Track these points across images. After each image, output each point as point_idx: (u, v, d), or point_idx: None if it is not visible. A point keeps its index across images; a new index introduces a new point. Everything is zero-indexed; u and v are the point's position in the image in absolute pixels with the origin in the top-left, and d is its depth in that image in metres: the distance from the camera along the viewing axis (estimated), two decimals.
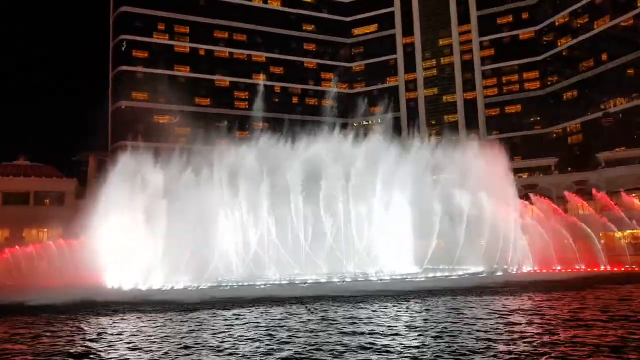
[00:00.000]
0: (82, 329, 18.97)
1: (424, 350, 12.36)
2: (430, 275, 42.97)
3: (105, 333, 17.70)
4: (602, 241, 62.90)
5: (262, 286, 39.79)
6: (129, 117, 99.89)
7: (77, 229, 58.57)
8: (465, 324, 16.35)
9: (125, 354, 13.93)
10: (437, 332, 15.07)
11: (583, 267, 47.91)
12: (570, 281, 34.67)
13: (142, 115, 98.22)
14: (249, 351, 13.60)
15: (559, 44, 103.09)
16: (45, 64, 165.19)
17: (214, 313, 21.83)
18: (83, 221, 54.15)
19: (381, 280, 39.97)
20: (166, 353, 13.98)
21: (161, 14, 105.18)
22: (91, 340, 16.41)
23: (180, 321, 19.78)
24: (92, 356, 13.77)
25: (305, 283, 39.70)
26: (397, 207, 46.17)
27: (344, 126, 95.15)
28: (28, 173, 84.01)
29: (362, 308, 21.77)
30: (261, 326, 17.59)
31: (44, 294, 39.01)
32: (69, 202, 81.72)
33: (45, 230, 79.90)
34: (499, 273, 44.07)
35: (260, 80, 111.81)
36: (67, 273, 49.15)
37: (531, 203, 60.95)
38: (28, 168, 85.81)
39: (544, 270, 46.47)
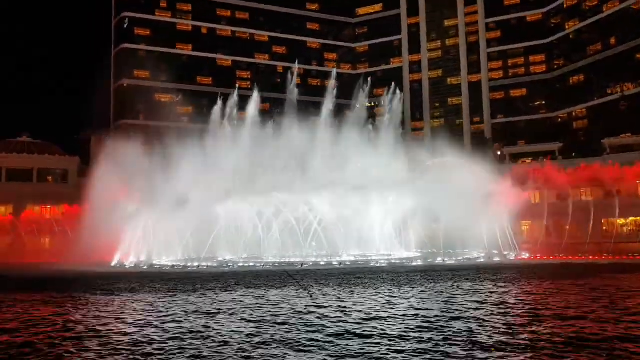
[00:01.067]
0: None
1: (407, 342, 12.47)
2: (429, 260, 43.22)
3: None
4: (604, 228, 62.61)
5: (262, 267, 40.21)
6: (131, 96, 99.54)
7: (80, 207, 59.32)
8: (446, 311, 16.48)
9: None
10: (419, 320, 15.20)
11: (585, 254, 47.65)
12: (566, 269, 34.76)
13: (144, 94, 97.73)
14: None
15: (566, 27, 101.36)
16: (48, 42, 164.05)
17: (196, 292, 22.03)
18: (86, 200, 54.81)
19: (378, 264, 40.25)
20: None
21: None
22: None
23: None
24: None
25: (302, 265, 40.07)
26: (394, 194, 46.17)
27: (346, 107, 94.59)
28: (31, 150, 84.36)
29: (348, 291, 21.96)
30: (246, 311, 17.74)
31: (29, 270, 39.68)
32: (72, 180, 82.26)
33: (49, 207, 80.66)
34: (496, 259, 44.25)
35: (263, 59, 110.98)
36: (72, 250, 49.91)
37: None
38: (31, 145, 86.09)
39: (544, 258, 46.50)
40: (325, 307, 17.74)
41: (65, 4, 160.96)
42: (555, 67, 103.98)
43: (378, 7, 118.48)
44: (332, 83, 71.19)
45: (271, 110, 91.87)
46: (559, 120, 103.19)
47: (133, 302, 19.96)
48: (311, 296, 20.70)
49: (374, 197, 45.51)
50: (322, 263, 41.56)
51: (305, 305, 18.08)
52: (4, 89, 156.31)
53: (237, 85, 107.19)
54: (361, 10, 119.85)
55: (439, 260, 42.79)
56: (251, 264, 42.08)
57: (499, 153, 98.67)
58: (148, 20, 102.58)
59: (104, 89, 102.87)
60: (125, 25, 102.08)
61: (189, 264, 42.85)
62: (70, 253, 48.83)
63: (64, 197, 72.63)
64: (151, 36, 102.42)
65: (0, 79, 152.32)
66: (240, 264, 42.37)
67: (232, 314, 16.79)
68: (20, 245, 68.21)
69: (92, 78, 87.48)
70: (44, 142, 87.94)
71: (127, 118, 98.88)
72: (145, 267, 42.30)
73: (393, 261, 42.26)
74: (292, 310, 17.08)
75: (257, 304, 19.02)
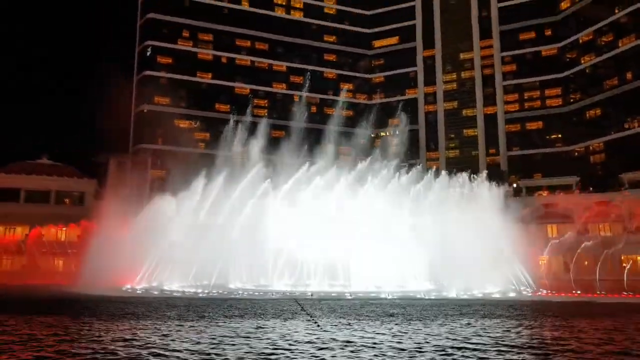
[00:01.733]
0: None
1: None
2: (443, 293, 42.43)
3: None
4: (624, 265, 61.02)
5: (273, 296, 39.89)
6: (150, 121, 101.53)
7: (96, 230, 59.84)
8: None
9: None
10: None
11: (605, 292, 46.23)
12: (584, 307, 33.75)
13: (163, 120, 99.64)
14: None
15: (582, 61, 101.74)
16: (73, 67, 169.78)
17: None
18: (98, 223, 55.42)
19: (390, 297, 39.63)
20: None
21: (186, 22, 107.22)
22: None
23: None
24: None
25: (312, 295, 39.67)
26: (411, 226, 45.76)
27: (361, 136, 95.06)
28: (50, 172, 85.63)
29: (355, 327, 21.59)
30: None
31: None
32: (89, 202, 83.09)
33: (64, 229, 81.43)
34: (512, 294, 43.24)
35: (280, 88, 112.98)
36: (84, 273, 50.12)
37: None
38: (50, 167, 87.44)
39: (562, 294, 45.23)
40: (326, 342, 17.44)
41: (91, 32, 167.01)
42: (572, 100, 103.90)
43: (394, 40, 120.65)
44: (338, 111, 71.82)
45: (286, 137, 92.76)
46: (576, 153, 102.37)
47: (134, 330, 19.82)
48: (320, 327, 20.44)
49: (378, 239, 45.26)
50: (333, 294, 41.08)
51: (309, 339, 17.80)
52: (28, 111, 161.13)
53: (254, 113, 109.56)
54: (377, 43, 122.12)
55: (452, 294, 41.97)
56: (262, 293, 41.79)
57: (514, 185, 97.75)
58: (170, 49, 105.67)
59: (124, 114, 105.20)
60: (148, 54, 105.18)
61: (199, 291, 42.70)
62: (82, 276, 49.02)
63: (79, 220, 73.45)
64: (173, 64, 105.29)
65: (24, 102, 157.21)
66: (251, 292, 42.11)
67: (232, 345, 16.55)
68: (33, 267, 68.73)
69: (113, 102, 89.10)
70: (63, 164, 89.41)
71: (145, 142, 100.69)
72: (156, 293, 42.22)
73: (408, 293, 41.58)
74: (291, 343, 16.81)
75: (261, 334, 18.77)
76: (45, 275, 63.78)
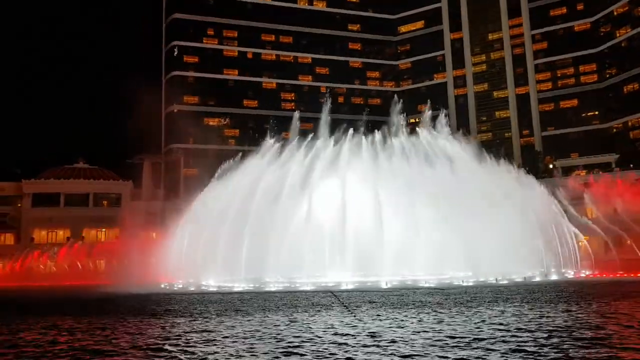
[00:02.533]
0: None
1: None
2: (481, 279, 41.67)
3: None
4: None
5: (307, 287, 40.01)
6: (180, 121, 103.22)
7: (133, 230, 61.43)
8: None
9: None
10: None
11: None
12: (630, 288, 32.51)
13: (193, 118, 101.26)
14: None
15: (617, 34, 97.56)
16: (100, 71, 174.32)
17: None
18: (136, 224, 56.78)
19: (427, 284, 39.24)
20: None
21: (211, 20, 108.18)
22: None
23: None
24: None
25: (347, 285, 39.62)
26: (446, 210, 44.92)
27: (389, 125, 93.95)
28: (87, 176, 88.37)
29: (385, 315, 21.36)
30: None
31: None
32: (125, 203, 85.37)
33: (104, 230, 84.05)
34: (554, 277, 42.11)
35: (306, 81, 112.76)
36: (124, 272, 51.56)
37: None
38: (87, 171, 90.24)
39: (604, 275, 43.85)
40: (352, 334, 17.31)
41: (120, 34, 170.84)
42: (608, 76, 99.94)
43: (420, 24, 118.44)
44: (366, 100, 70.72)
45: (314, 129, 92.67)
46: (614, 130, 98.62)
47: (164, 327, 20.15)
48: (360, 319, 20.29)
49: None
50: (368, 284, 40.89)
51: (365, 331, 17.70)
52: (62, 117, 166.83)
53: (281, 107, 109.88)
54: (403, 28, 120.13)
55: (491, 279, 41.16)
56: (297, 285, 41.92)
57: (550, 166, 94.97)
58: (196, 47, 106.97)
59: (155, 115, 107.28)
60: (175, 54, 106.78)
61: (235, 285, 43.07)
62: (123, 275, 50.41)
63: (117, 221, 75.52)
64: (199, 63, 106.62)
65: (58, 109, 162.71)
66: (286, 284, 42.28)
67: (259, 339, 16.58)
68: (75, 268, 71.36)
69: (144, 104, 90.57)
70: (99, 167, 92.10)
71: (177, 142, 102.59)
72: (193, 289, 42.91)
73: (444, 281, 41.04)
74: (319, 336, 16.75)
75: (297, 329, 18.78)
76: (88, 276, 65.97)
